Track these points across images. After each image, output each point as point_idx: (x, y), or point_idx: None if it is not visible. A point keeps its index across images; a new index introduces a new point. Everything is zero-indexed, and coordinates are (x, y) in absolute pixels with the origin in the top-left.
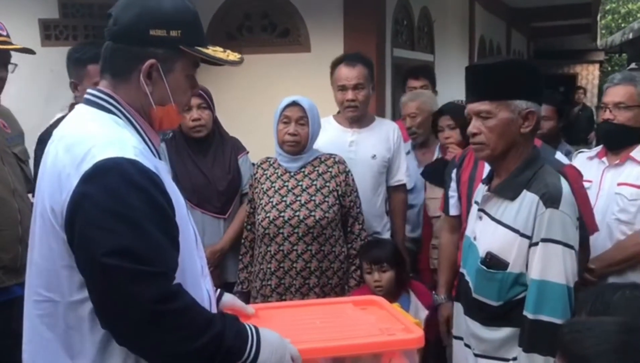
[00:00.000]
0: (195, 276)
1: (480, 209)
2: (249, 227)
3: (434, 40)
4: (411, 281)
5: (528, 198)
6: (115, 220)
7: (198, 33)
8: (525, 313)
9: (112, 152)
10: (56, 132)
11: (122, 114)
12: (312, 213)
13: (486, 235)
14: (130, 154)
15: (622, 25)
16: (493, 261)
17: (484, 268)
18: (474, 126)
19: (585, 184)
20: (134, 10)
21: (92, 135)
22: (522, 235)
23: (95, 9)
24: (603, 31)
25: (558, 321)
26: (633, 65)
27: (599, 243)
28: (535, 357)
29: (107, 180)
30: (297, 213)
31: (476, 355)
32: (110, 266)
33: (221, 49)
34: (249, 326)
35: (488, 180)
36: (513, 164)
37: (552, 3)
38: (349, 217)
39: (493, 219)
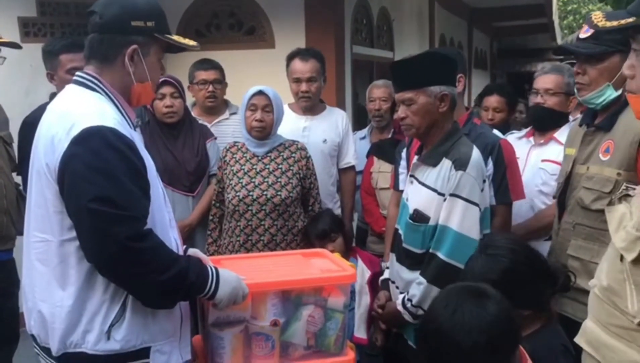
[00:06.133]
0: (164, 226)
1: (411, 176)
2: (217, 204)
3: (393, 38)
4: (358, 249)
5: (445, 164)
6: (97, 174)
7: (165, 24)
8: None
9: (95, 121)
10: (50, 106)
11: (103, 92)
12: (279, 193)
13: (415, 195)
14: (110, 123)
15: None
16: (419, 217)
17: (411, 222)
18: (402, 111)
19: None
20: (116, 6)
21: (80, 108)
22: (440, 194)
23: (72, 8)
24: (565, 31)
25: (449, 261)
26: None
27: (523, 212)
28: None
29: (91, 143)
30: (265, 192)
31: (401, 293)
32: (93, 210)
33: (181, 37)
34: (210, 267)
35: (419, 151)
36: (436, 137)
37: (510, 3)
38: (310, 197)
39: (420, 182)
